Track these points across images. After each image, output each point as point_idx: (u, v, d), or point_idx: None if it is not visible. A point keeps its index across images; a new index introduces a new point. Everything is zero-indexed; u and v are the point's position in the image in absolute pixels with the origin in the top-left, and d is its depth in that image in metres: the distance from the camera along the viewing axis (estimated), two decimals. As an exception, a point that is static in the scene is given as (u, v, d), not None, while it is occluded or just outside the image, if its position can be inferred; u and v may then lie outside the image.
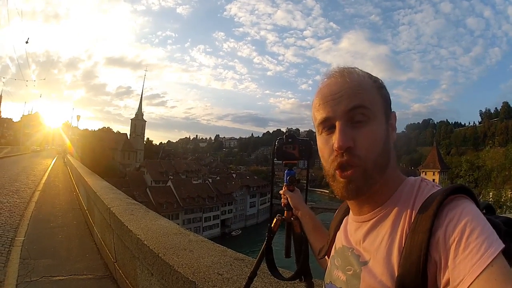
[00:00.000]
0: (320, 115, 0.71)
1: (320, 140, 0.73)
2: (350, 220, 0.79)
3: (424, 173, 64.10)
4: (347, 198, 0.71)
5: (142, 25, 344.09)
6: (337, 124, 0.68)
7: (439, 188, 0.65)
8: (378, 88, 0.72)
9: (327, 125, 0.70)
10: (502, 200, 19.67)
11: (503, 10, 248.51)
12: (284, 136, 1.04)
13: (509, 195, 20.00)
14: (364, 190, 0.68)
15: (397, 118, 0.76)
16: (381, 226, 0.68)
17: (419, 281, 0.57)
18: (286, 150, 1.03)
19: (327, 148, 0.70)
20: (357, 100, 0.67)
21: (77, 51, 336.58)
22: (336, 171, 0.69)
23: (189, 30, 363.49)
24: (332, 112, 0.69)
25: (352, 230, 0.76)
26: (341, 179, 0.69)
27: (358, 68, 0.74)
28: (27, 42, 24.14)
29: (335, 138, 0.67)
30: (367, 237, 0.70)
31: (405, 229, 0.63)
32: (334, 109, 0.68)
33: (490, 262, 0.50)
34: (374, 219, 0.70)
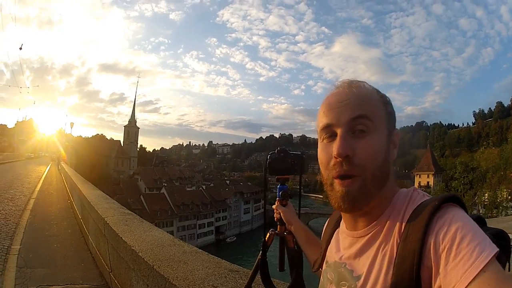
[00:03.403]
0: (322, 122, 0.71)
1: (320, 146, 0.73)
2: (344, 235, 0.78)
3: (418, 175, 63.82)
4: (343, 209, 0.70)
5: (135, 31, 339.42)
6: (339, 131, 0.68)
7: (429, 198, 0.65)
8: (383, 103, 0.73)
9: (329, 131, 0.70)
10: (498, 200, 19.74)
11: (496, 9, 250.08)
12: (276, 151, 1.04)
13: (504, 196, 20.07)
14: (361, 203, 0.68)
15: None
16: (375, 241, 0.68)
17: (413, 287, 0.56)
18: (278, 165, 1.03)
19: (326, 155, 0.70)
20: (361, 110, 0.68)
21: (70, 57, 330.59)
22: (335, 180, 0.69)
23: (182, 36, 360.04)
24: (336, 119, 0.69)
25: (346, 244, 0.75)
26: (339, 188, 0.68)
27: (367, 83, 0.75)
28: (20, 48, 24.14)
29: (335, 145, 0.68)
30: (361, 253, 0.70)
31: (396, 239, 0.63)
32: (337, 116, 0.69)
33: (483, 268, 0.49)
34: (369, 235, 0.69)
